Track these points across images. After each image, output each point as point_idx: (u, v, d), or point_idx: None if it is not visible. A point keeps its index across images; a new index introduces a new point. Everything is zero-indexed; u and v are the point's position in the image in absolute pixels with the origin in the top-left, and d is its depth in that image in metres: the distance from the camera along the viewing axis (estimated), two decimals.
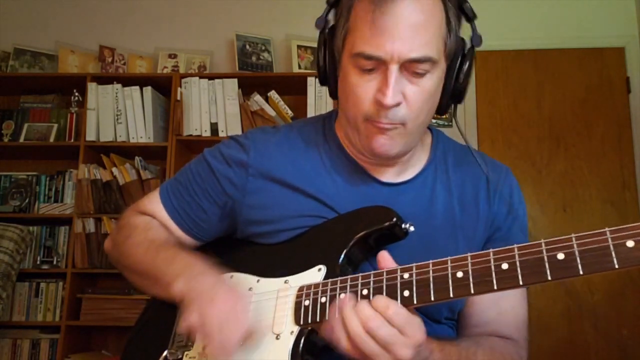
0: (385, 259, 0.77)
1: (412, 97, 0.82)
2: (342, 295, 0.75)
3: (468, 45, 0.88)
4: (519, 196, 0.98)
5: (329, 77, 0.92)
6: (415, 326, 0.70)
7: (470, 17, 0.87)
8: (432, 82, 0.84)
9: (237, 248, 0.97)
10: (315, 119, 1.04)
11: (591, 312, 2.90)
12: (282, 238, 0.90)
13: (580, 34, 3.14)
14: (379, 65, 0.81)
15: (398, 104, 0.82)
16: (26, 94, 3.14)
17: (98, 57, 3.11)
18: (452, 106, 0.92)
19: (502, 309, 0.91)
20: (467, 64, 0.88)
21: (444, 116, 3.07)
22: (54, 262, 2.87)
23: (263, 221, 0.92)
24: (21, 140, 2.98)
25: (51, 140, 2.96)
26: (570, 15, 3.16)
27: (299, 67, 3.06)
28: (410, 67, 0.81)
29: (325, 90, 3.08)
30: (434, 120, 3.07)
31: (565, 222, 2.98)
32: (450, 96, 0.89)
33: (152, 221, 0.98)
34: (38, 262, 2.88)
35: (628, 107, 3.07)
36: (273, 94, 2.95)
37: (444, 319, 0.91)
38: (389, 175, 0.94)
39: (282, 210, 0.91)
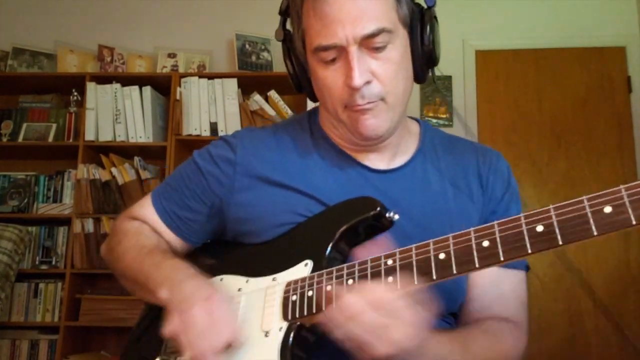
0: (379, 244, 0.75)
1: (381, 72, 0.84)
2: (328, 288, 0.75)
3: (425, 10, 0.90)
4: (513, 177, 0.99)
5: (302, 82, 0.95)
6: (404, 310, 0.67)
7: None
8: (395, 52, 0.85)
9: (227, 250, 0.97)
10: (300, 116, 1.04)
11: (592, 313, 2.89)
12: (271, 235, 0.89)
13: (581, 33, 3.13)
14: (339, 53, 0.84)
15: (369, 82, 0.83)
16: (25, 93, 3.13)
17: (97, 56, 3.10)
18: (431, 71, 0.94)
19: (502, 291, 0.91)
20: (428, 25, 0.89)
21: (445, 115, 3.08)
22: (53, 263, 2.87)
23: (252, 219, 0.91)
24: (20, 140, 2.97)
25: (50, 140, 2.96)
26: (570, 15, 3.15)
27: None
28: (368, 44, 0.82)
29: None
30: (434, 120, 3.09)
31: None
32: (423, 61, 0.90)
33: (143, 226, 0.99)
34: (37, 263, 2.88)
35: (629, 107, 3.07)
36: (273, 93, 2.94)
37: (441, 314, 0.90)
38: (379, 163, 0.94)
39: (271, 206, 0.90)
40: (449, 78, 3.12)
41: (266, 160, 0.94)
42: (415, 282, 0.70)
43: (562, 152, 3.07)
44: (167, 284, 0.83)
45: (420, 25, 0.89)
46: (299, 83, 0.96)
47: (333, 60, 0.85)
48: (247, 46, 3.09)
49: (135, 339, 1.00)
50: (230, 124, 2.86)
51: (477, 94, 3.14)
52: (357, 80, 0.82)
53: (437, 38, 0.90)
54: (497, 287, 0.91)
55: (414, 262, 0.70)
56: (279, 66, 3.13)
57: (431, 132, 1.01)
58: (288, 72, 0.96)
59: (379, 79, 0.84)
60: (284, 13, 0.94)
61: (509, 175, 0.99)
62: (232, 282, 0.89)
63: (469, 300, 0.92)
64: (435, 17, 0.91)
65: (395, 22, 0.85)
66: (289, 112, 2.91)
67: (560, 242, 0.61)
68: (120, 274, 0.98)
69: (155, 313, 0.96)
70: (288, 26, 0.96)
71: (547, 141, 3.08)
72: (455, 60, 3.14)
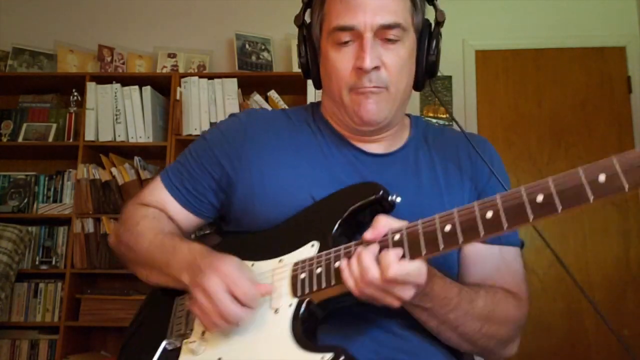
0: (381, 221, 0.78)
1: (389, 63, 0.91)
2: (337, 264, 0.78)
3: (433, 24, 0.99)
4: (499, 159, 1.04)
5: (312, 67, 1.01)
6: (413, 275, 0.73)
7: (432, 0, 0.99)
8: (404, 50, 0.93)
9: (228, 238, 1.01)
10: (303, 106, 1.12)
11: (592, 312, 2.89)
12: (279, 207, 0.93)
13: (581, 33, 3.13)
14: (354, 37, 0.91)
15: (377, 68, 0.90)
16: (25, 93, 3.13)
17: (97, 56, 3.10)
18: (429, 80, 1.01)
19: (499, 266, 0.94)
20: (435, 40, 0.97)
21: (444, 116, 3.08)
22: (53, 263, 2.86)
23: (260, 186, 0.95)
24: (20, 140, 2.97)
25: (50, 140, 2.95)
26: (570, 15, 3.15)
27: (299, 67, 3.05)
28: (383, 34, 0.90)
29: None
30: (434, 120, 3.08)
31: (566, 222, 2.97)
32: (425, 70, 0.97)
33: (150, 211, 1.01)
34: (37, 263, 2.88)
35: (629, 107, 3.07)
36: (273, 93, 2.94)
37: None
38: (376, 149, 1.00)
39: (278, 178, 0.95)
40: (449, 78, 3.12)
41: (274, 134, 1.00)
42: (423, 253, 0.72)
43: (562, 152, 3.07)
44: (187, 268, 0.86)
45: (428, 37, 0.97)
46: (307, 68, 1.02)
47: (346, 43, 0.91)
48: (247, 46, 3.09)
49: (134, 334, 1.01)
50: None
51: (476, 94, 3.14)
52: (368, 62, 0.88)
53: (439, 52, 0.98)
54: (494, 261, 0.94)
55: (421, 234, 0.73)
56: (279, 66, 3.13)
57: (422, 123, 1.08)
58: (299, 57, 1.03)
59: (387, 69, 0.91)
60: (308, 3, 1.00)
61: (497, 155, 1.04)
62: None
63: (467, 275, 0.94)
64: (441, 34, 0.98)
65: (409, 23, 0.93)
66: None
67: (559, 209, 0.65)
68: (133, 262, 1.00)
69: (154, 306, 0.99)
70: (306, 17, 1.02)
71: (547, 141, 3.08)
72: (455, 60, 3.13)
